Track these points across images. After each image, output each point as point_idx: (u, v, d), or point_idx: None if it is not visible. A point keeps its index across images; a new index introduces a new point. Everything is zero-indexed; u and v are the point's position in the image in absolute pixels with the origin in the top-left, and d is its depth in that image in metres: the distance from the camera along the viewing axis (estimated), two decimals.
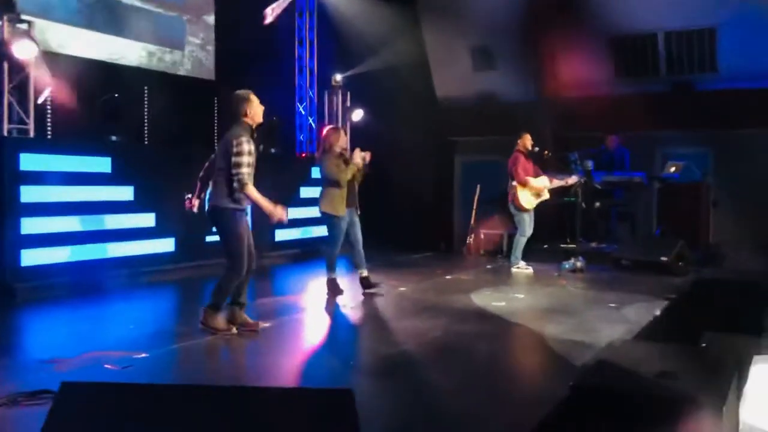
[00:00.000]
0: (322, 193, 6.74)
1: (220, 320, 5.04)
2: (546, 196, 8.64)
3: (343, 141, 6.86)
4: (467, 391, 3.90)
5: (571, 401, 3.21)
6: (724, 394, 3.11)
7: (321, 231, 10.14)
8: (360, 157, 6.68)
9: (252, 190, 4.86)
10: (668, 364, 3.41)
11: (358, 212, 6.87)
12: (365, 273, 6.90)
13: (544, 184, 8.60)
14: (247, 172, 4.81)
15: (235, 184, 4.82)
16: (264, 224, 5.88)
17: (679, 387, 3.15)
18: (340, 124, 11.23)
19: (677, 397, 3.06)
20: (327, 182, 6.67)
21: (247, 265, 5.00)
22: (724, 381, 3.31)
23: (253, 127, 5.01)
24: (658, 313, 6.03)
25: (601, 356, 3.80)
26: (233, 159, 4.80)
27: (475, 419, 3.41)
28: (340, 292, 6.73)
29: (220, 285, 5.01)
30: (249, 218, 5.28)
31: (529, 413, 3.31)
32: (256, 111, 5.00)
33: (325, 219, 6.75)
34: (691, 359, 3.72)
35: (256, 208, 5.11)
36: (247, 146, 4.82)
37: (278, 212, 4.98)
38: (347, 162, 6.70)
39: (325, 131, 6.99)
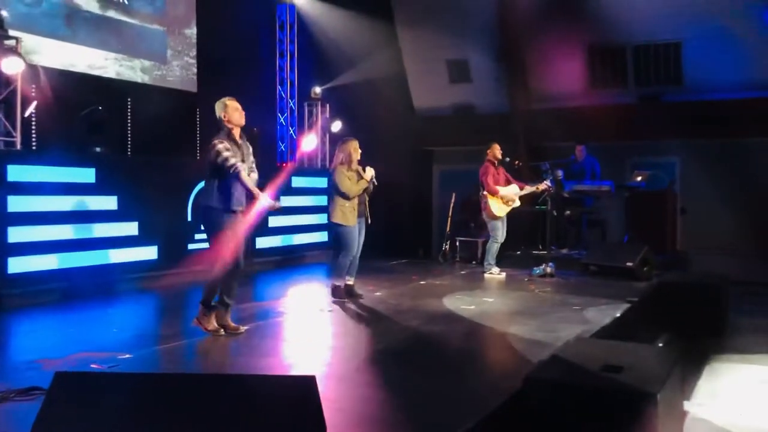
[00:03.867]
0: (332, 204, 6.86)
1: (212, 321, 5.34)
2: (517, 203, 8.98)
3: (357, 153, 6.90)
4: (429, 384, 4.21)
5: (523, 392, 3.52)
6: (661, 384, 3.37)
7: (301, 239, 10.46)
8: (371, 173, 6.87)
9: (244, 177, 5.17)
10: (615, 360, 3.69)
11: (368, 221, 7.06)
12: (351, 281, 7.09)
13: (514, 191, 8.94)
14: (235, 160, 5.13)
15: (232, 178, 5.15)
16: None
17: (620, 379, 3.44)
18: (319, 135, 11.54)
19: (616, 387, 3.35)
20: (337, 194, 6.78)
21: (232, 263, 5.27)
22: (664, 373, 3.58)
23: (232, 129, 5.30)
24: (618, 314, 6.36)
25: (555, 352, 4.10)
26: (218, 160, 5.14)
27: (433, 408, 3.72)
28: (345, 298, 6.89)
29: (206, 282, 5.35)
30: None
31: (484, 403, 3.60)
32: (231, 114, 5.29)
33: (335, 229, 6.95)
34: (638, 355, 3.96)
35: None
36: (221, 144, 5.15)
37: (265, 198, 5.29)
38: (360, 175, 6.85)
39: (343, 143, 7.01)
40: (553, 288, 7.99)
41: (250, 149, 5.53)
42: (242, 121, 5.36)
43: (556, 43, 11.33)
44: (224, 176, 5.18)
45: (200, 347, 5.13)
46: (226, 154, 5.14)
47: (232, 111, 5.30)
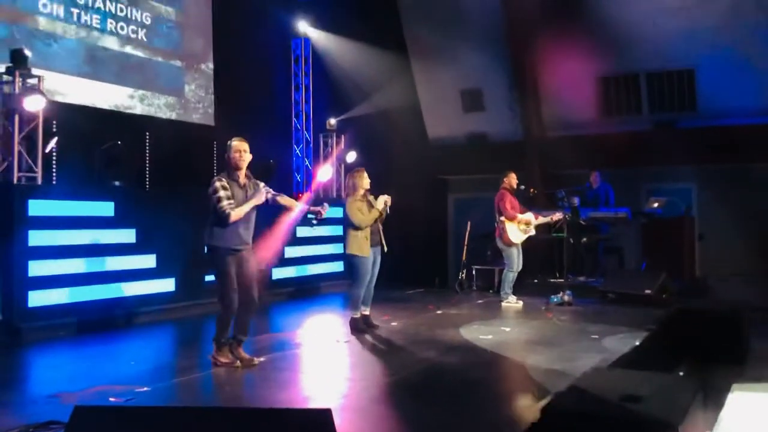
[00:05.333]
0: (346, 235, 6.88)
1: (226, 354, 5.37)
2: (532, 232, 8.94)
3: (366, 182, 6.95)
4: (446, 415, 4.20)
5: (541, 423, 3.48)
6: (682, 415, 3.32)
7: (316, 269, 10.48)
8: (383, 202, 6.88)
9: (237, 213, 5.20)
10: (634, 390, 3.64)
11: (384, 250, 7.05)
12: (367, 312, 7.09)
13: (531, 219, 8.91)
14: (226, 204, 5.17)
15: (224, 220, 5.17)
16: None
17: (640, 409, 3.40)
18: (335, 166, 11.63)
19: (636, 418, 3.30)
20: (350, 225, 6.81)
21: (237, 301, 5.29)
22: (685, 403, 3.52)
23: (233, 168, 5.34)
24: (637, 343, 6.28)
25: (574, 382, 4.05)
26: (212, 200, 5.21)
27: None
28: (363, 329, 6.92)
29: (217, 319, 5.36)
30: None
31: None
32: (233, 155, 5.34)
33: (350, 260, 6.91)
34: (658, 385, 3.90)
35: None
36: (218, 183, 5.23)
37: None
38: (371, 204, 6.88)
39: (350, 173, 7.13)
40: (571, 316, 7.92)
41: (260, 186, 5.50)
42: (241, 164, 5.34)
43: (570, 70, 11.40)
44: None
45: (217, 379, 5.14)
46: (220, 194, 5.18)
47: (233, 152, 5.35)
